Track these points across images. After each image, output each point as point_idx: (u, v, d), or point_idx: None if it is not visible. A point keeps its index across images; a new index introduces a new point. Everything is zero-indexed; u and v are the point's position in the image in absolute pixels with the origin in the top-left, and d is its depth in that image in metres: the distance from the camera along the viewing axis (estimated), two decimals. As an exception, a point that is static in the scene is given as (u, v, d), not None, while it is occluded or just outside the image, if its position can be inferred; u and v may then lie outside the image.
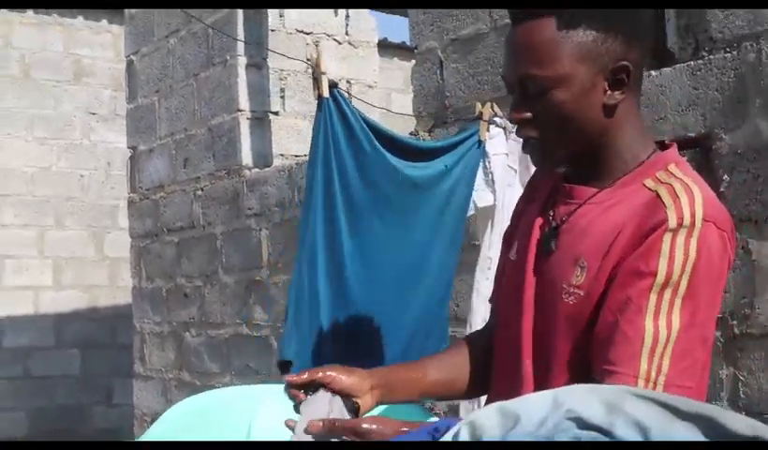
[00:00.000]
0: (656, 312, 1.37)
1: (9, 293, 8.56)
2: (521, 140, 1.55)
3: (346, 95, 2.43)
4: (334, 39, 5.51)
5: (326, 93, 2.37)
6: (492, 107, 2.93)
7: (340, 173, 2.37)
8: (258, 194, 4.80)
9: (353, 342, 2.35)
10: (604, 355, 1.40)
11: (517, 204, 1.75)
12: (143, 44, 5.82)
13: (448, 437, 1.08)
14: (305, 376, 1.51)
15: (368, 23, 5.66)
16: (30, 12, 8.70)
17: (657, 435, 1.03)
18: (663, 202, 1.41)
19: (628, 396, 1.07)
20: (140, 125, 5.91)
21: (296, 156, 5.07)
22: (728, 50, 2.80)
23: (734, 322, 2.75)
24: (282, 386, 1.73)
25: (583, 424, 1.04)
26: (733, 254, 1.47)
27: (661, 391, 1.35)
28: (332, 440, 1.44)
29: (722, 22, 2.82)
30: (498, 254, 1.77)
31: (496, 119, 2.91)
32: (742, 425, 1.02)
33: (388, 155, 2.44)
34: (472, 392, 1.75)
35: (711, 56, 2.84)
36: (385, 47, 8.14)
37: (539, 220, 1.56)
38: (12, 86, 8.65)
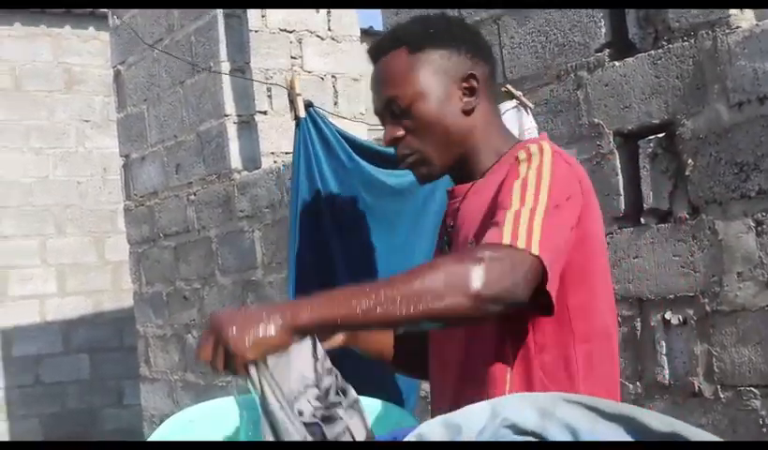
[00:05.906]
0: (521, 198, 1.54)
1: (16, 303, 8.71)
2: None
3: (322, 112, 2.50)
4: (317, 36, 5.58)
5: (302, 113, 2.43)
6: None
7: (324, 190, 2.43)
8: (249, 196, 4.91)
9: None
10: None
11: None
12: (129, 54, 5.92)
13: (400, 447, 1.20)
14: None
15: (350, 17, 5.74)
16: (18, 24, 8.80)
17: (586, 436, 1.15)
18: (516, 154, 1.64)
19: (560, 401, 1.18)
20: (131, 133, 6.01)
21: (286, 152, 5.17)
22: (685, 38, 2.90)
23: (705, 301, 2.86)
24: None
25: (518, 430, 1.15)
26: (585, 188, 1.63)
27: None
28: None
29: (678, 11, 2.92)
30: None
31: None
32: (659, 423, 1.14)
33: (367, 166, 2.48)
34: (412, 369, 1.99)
35: (670, 45, 2.94)
36: (371, 35, 8.20)
37: (441, 234, 1.82)
38: (4, 99, 8.76)
